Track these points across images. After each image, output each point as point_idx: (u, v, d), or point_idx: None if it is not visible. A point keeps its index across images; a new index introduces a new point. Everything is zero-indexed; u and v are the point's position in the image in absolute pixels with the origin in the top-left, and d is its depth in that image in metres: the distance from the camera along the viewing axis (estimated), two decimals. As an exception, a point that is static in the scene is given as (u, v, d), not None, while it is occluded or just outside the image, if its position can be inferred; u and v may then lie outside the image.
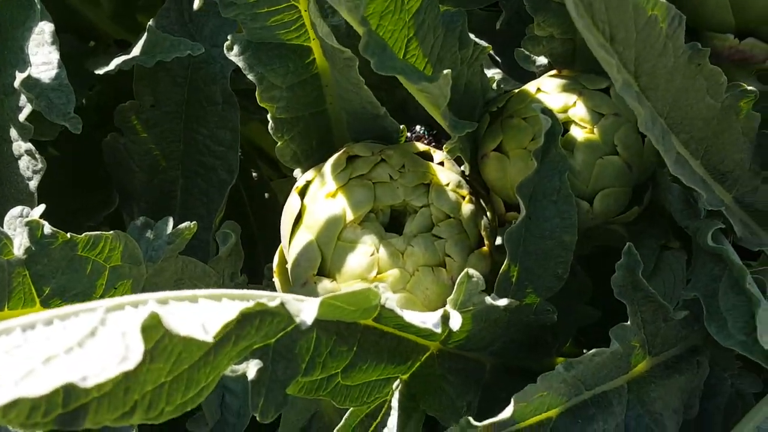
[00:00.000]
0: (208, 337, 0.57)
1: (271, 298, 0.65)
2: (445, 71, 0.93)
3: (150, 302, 0.58)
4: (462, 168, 1.13)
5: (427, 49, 1.00)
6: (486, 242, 1.06)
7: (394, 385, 0.96)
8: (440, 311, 0.83)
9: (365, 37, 0.88)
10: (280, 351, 0.78)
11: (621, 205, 1.07)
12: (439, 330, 0.82)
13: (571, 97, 1.05)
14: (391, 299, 0.81)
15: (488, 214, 1.10)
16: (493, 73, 1.27)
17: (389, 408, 0.95)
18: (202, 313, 0.59)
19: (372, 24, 0.90)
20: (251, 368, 0.76)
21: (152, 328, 0.54)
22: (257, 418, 0.76)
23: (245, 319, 0.70)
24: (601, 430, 0.95)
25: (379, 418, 0.96)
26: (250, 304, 0.62)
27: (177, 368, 0.65)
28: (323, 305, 0.69)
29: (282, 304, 0.64)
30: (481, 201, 1.12)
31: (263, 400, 0.76)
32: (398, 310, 0.81)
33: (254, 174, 1.65)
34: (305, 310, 0.66)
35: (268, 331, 0.75)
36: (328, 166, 1.08)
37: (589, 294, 1.23)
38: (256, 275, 1.35)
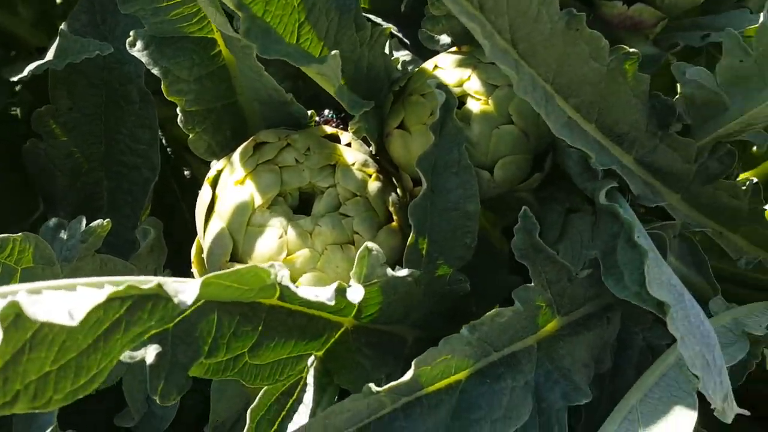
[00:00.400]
0: (74, 322, 0.59)
1: (149, 281, 0.67)
2: (333, 52, 0.95)
3: (20, 292, 0.60)
4: (371, 148, 1.16)
5: (321, 33, 1.02)
6: (395, 218, 1.08)
7: (309, 362, 0.99)
8: (334, 285, 0.86)
9: (246, 21, 0.90)
10: (179, 335, 0.81)
11: (522, 172, 1.10)
12: (332, 303, 0.84)
13: (466, 71, 1.08)
14: (285, 276, 0.83)
15: (398, 190, 1.13)
16: (402, 54, 1.30)
17: (305, 385, 0.98)
18: (73, 300, 0.61)
19: (257, 10, 0.92)
20: (150, 353, 0.78)
21: (11, 316, 0.56)
22: (157, 401, 0.79)
23: (135, 304, 0.72)
24: (510, 387, 0.98)
25: (295, 395, 0.99)
26: (121, 287, 0.64)
27: (63, 357, 0.67)
28: (205, 285, 0.72)
29: (159, 285, 0.67)
30: (393, 179, 1.15)
31: (163, 383, 0.79)
32: (292, 286, 0.83)
33: (186, 172, 1.67)
34: (185, 290, 0.68)
35: (164, 315, 0.77)
36: (236, 155, 1.10)
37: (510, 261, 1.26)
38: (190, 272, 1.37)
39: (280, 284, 0.84)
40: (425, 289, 1.08)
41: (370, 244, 0.93)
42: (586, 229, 1.14)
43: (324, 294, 0.84)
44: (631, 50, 1.01)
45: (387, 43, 1.26)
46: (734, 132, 1.18)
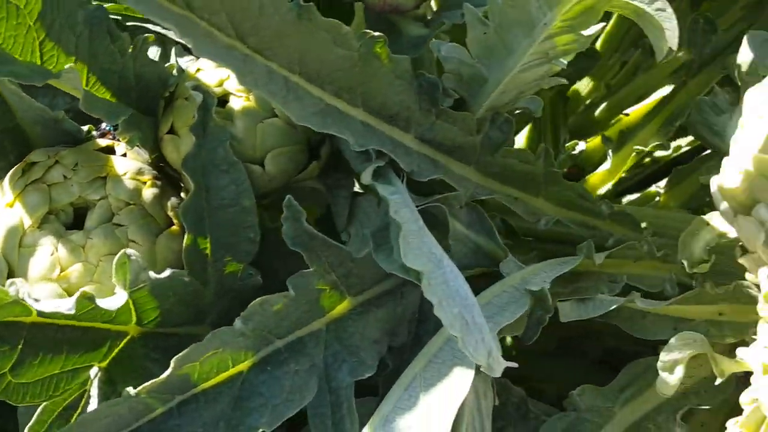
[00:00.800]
0: None
1: None
2: (67, 66, 0.96)
3: None
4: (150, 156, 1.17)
5: (69, 48, 1.02)
6: (176, 222, 1.10)
7: (93, 374, 0.99)
8: (76, 294, 0.87)
9: (-42, 46, 0.90)
10: None
11: (297, 163, 1.13)
12: (72, 312, 0.85)
13: (225, 71, 1.10)
14: (27, 292, 0.84)
15: (183, 194, 1.14)
16: (187, 60, 1.31)
17: (89, 396, 0.99)
18: None
19: (-18, 33, 0.92)
20: None
21: None
22: None
23: None
24: (293, 372, 1.01)
25: (80, 408, 0.99)
26: None
27: None
28: None
29: None
30: (182, 183, 1.16)
31: None
32: (30, 301, 0.84)
33: None
34: None
35: None
36: (7, 178, 1.10)
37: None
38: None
39: (23, 300, 0.84)
40: (216, 287, 1.10)
41: (128, 251, 0.94)
42: (373, 211, 1.17)
43: (64, 305, 0.85)
44: (376, 34, 1.04)
45: (171, 51, 1.28)
46: (510, 101, 1.23)
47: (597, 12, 0.97)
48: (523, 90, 1.20)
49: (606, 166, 1.88)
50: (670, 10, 1.09)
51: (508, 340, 1.78)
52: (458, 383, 1.01)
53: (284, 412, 0.98)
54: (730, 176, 1.04)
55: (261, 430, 0.95)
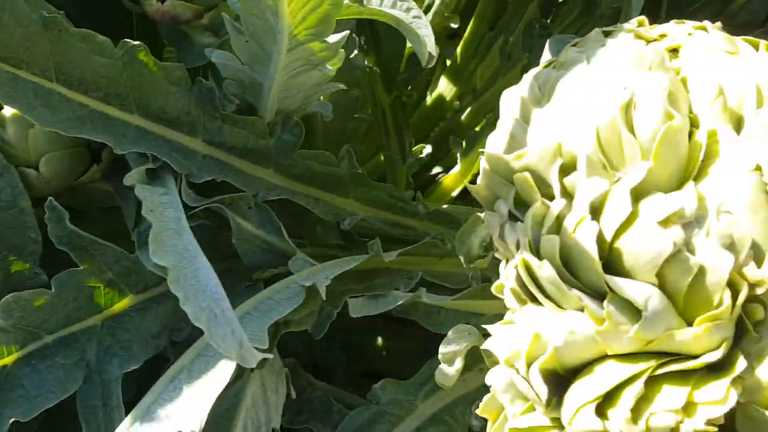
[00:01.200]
0: None
1: None
2: None
3: None
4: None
5: None
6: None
7: None
8: None
9: None
10: None
11: (76, 166, 1.19)
12: None
13: (2, 81, 1.16)
14: None
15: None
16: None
17: None
18: None
19: None
20: None
21: None
22: None
23: None
24: (58, 365, 1.06)
25: None
26: None
27: None
28: None
29: None
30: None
31: None
32: None
33: None
34: None
35: None
36: None
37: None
38: None
39: None
40: (1, 287, 1.15)
41: None
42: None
43: None
44: (136, 42, 1.10)
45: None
46: (300, 105, 1.29)
47: (331, 21, 1.03)
48: (308, 95, 1.26)
49: (457, 169, 1.95)
50: (425, 18, 1.16)
51: (380, 340, 1.84)
52: (220, 374, 1.06)
53: (43, 403, 1.03)
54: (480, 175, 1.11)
55: (14, 419, 1.00)
